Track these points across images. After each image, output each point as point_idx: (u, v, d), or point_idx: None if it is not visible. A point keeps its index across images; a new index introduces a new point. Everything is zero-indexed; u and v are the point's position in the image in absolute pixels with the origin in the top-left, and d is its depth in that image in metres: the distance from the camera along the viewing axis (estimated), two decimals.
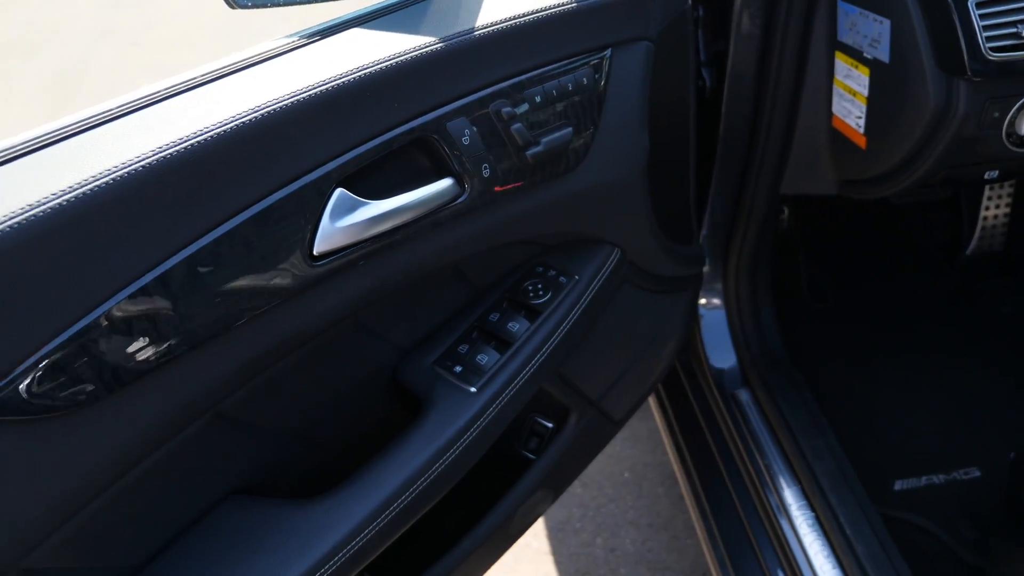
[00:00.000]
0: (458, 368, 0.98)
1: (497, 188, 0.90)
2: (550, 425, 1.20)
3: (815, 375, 1.65)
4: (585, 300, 1.08)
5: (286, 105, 0.73)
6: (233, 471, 0.86)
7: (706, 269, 1.61)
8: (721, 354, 1.66)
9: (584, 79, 0.95)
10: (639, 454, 2.13)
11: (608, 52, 0.98)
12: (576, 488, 2.04)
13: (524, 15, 0.90)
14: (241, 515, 0.84)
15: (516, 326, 1.02)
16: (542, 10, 0.91)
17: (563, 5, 0.93)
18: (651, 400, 1.85)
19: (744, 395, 1.60)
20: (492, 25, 0.88)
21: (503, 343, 1.02)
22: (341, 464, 1.01)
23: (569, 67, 0.94)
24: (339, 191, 0.78)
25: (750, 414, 1.56)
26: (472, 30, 0.87)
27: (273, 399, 0.86)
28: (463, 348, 1.00)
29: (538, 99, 0.91)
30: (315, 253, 0.76)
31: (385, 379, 1.01)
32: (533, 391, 1.05)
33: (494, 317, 1.03)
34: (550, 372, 1.08)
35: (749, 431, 1.53)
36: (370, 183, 0.81)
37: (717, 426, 1.60)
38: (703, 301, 1.70)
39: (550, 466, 1.18)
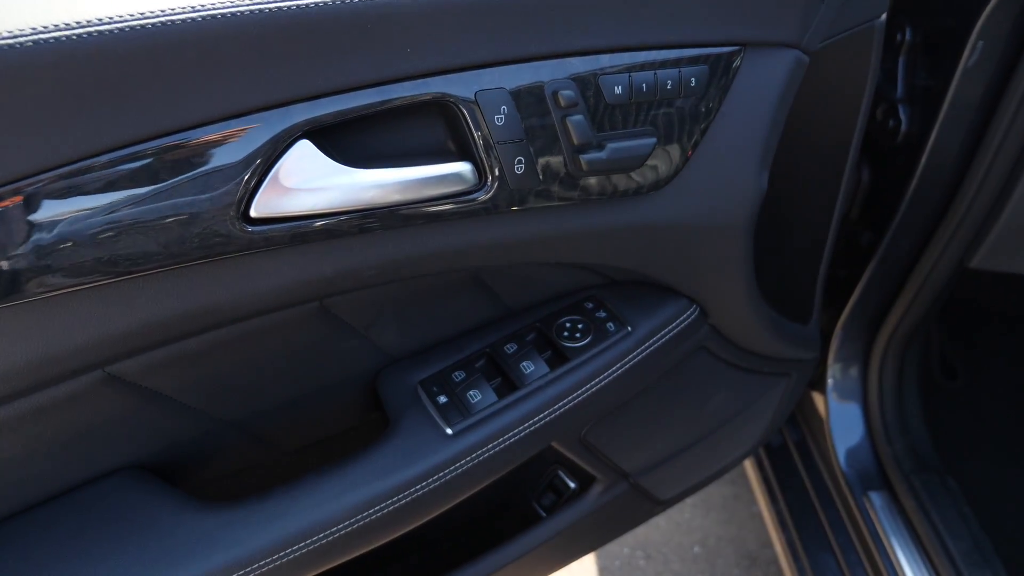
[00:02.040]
0: (443, 398, 0.79)
1: (532, 191, 0.69)
2: (573, 485, 0.99)
3: (961, 473, 1.35)
4: (634, 358, 0.84)
5: (242, 15, 0.55)
6: (134, 443, 0.72)
7: (837, 350, 1.31)
8: (853, 448, 1.37)
9: (693, 80, 0.71)
10: (712, 525, 1.85)
11: (740, 53, 0.73)
12: (639, 560, 1.80)
13: None
14: (123, 496, 0.71)
15: (531, 368, 0.81)
16: None
17: None
18: (749, 469, 1.58)
19: (879, 498, 1.30)
20: None
21: (509, 384, 0.81)
22: (289, 469, 0.85)
23: (676, 59, 0.70)
24: (303, 144, 0.60)
25: (888, 522, 1.27)
26: None
27: (199, 375, 0.71)
28: (458, 375, 0.81)
29: (618, 91, 0.68)
30: (251, 215, 0.59)
31: (362, 384, 0.83)
32: (536, 449, 0.84)
33: (510, 348, 0.83)
34: (565, 433, 0.86)
35: (888, 543, 1.24)
36: (353, 145, 0.63)
37: (846, 531, 1.34)
38: (830, 381, 1.39)
39: (562, 530, 0.98)
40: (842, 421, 1.36)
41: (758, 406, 1.07)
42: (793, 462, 1.44)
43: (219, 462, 0.81)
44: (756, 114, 0.75)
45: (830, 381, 1.37)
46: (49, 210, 0.54)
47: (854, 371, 1.36)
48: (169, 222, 0.57)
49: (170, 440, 0.74)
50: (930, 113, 1.10)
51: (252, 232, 0.60)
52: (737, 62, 0.72)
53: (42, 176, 0.53)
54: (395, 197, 0.64)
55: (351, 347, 0.78)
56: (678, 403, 0.96)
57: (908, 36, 1.09)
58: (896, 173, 1.16)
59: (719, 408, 1.01)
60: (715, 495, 1.91)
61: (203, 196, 0.57)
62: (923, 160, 1.11)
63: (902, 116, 1.15)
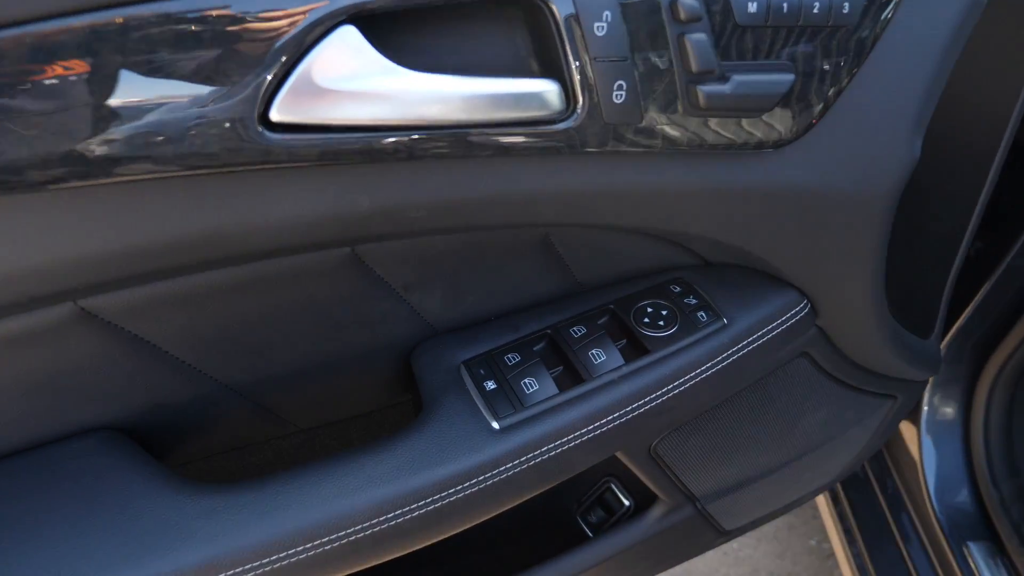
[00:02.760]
0: (490, 384, 0.64)
1: (631, 128, 0.54)
2: (628, 503, 0.83)
3: None
4: (728, 357, 0.69)
5: None
6: (111, 399, 0.59)
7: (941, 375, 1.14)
8: (951, 489, 1.20)
9: (846, 6, 0.55)
10: (763, 557, 1.68)
11: None
12: None
13: None
14: (92, 460, 0.58)
15: (601, 357, 0.66)
16: None
17: None
18: (820, 500, 1.40)
19: (981, 550, 1.13)
20: None
21: (573, 374, 0.66)
22: (298, 452, 0.71)
23: None
24: (347, 30, 0.45)
25: None
26: None
27: (196, 325, 0.57)
28: (512, 358, 0.66)
29: (752, 8, 0.53)
30: (272, 118, 0.45)
31: (394, 357, 0.69)
32: (599, 458, 0.69)
33: (577, 331, 0.68)
34: (634, 442, 0.71)
35: None
36: (410, 45, 0.49)
37: None
38: (926, 409, 1.22)
39: (609, 555, 0.82)
40: (938, 457, 1.19)
41: (855, 431, 0.90)
42: (875, 498, 1.27)
43: (214, 434, 0.67)
44: (919, 60, 0.59)
45: (926, 409, 1.20)
46: (3, 80, 0.40)
47: (956, 400, 1.19)
48: (163, 114, 0.43)
49: (155, 400, 0.61)
50: None
51: (271, 139, 0.46)
52: None
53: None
54: (458, 116, 0.49)
55: (385, 310, 0.64)
56: (767, 419, 0.80)
57: None
58: None
59: (812, 429, 0.85)
60: (768, 524, 1.74)
61: (211, 85, 0.43)
62: None
63: None
